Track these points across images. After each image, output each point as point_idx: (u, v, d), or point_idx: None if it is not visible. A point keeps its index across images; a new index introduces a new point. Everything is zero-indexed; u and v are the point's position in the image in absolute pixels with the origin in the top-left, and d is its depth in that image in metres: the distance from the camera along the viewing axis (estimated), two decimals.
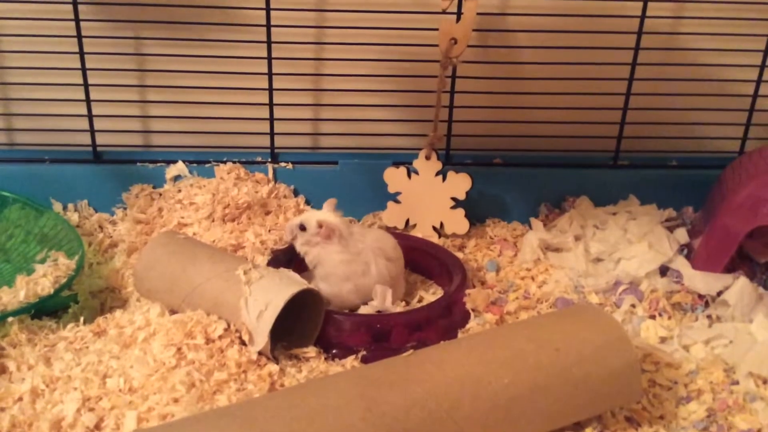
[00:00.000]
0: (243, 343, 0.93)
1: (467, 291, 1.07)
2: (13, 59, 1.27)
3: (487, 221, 1.31)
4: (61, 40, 1.22)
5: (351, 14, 1.23)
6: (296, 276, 0.99)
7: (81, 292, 1.06)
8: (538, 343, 0.82)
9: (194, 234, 1.19)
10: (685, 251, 1.16)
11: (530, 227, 1.27)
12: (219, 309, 0.95)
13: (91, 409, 0.83)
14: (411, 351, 0.84)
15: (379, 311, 1.04)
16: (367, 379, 0.78)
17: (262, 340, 0.91)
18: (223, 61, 1.26)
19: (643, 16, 1.23)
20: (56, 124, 1.29)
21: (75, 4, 1.19)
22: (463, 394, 0.77)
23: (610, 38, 1.25)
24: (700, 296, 1.09)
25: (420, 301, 1.10)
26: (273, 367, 0.91)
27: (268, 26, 1.21)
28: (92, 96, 1.25)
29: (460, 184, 1.22)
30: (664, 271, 1.13)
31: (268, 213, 1.26)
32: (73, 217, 1.24)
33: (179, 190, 1.26)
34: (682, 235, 1.19)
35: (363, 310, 1.05)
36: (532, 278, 1.15)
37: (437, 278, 1.16)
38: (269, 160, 1.30)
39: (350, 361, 0.95)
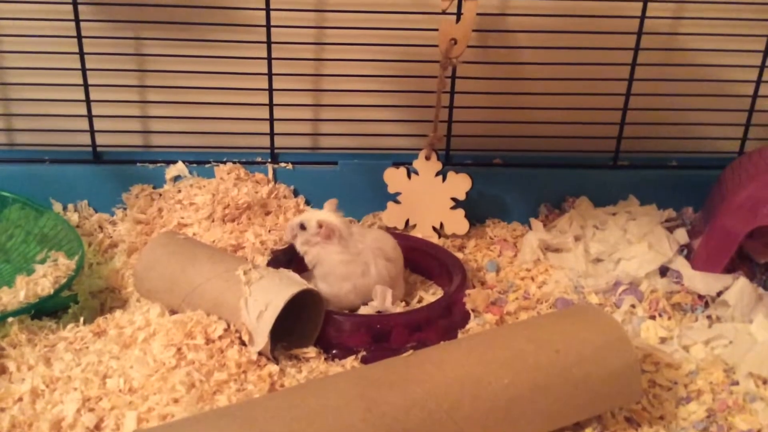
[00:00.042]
0: (243, 343, 0.93)
1: (467, 291, 1.07)
2: (13, 59, 1.27)
3: (487, 221, 1.31)
4: (61, 41, 1.22)
5: (351, 14, 1.23)
6: (296, 276, 0.99)
7: (81, 293, 1.06)
8: (538, 344, 0.82)
9: (194, 234, 1.19)
10: (685, 252, 1.16)
11: (530, 228, 1.27)
12: (219, 309, 0.95)
13: (91, 410, 0.84)
14: (411, 351, 0.84)
15: (379, 312, 1.04)
16: (367, 380, 0.78)
17: (262, 340, 0.91)
18: (223, 61, 1.26)
19: (642, 17, 1.23)
20: (56, 125, 1.29)
21: (75, 5, 1.19)
22: (463, 394, 0.77)
23: (610, 39, 1.25)
24: (700, 297, 1.09)
25: (420, 301, 1.10)
26: (273, 368, 0.91)
27: (268, 26, 1.21)
28: (92, 96, 1.25)
29: (460, 184, 1.22)
30: (664, 271, 1.13)
31: (268, 213, 1.26)
32: (73, 217, 1.24)
33: (179, 191, 1.26)
34: (681, 235, 1.19)
35: (363, 310, 1.05)
36: (532, 279, 1.15)
37: (437, 279, 1.16)
38: (269, 160, 1.30)
39: (350, 362, 0.95)
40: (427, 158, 1.22)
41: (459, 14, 1.18)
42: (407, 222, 1.26)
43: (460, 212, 1.23)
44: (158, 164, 1.28)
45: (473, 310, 1.05)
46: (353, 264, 1.04)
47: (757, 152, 1.18)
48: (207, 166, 1.29)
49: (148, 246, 1.04)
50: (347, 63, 1.27)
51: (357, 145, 1.35)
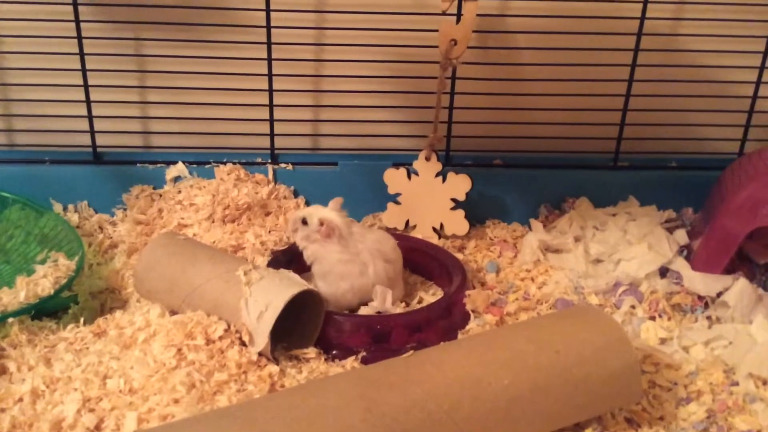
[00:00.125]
0: (243, 343, 0.93)
1: (467, 292, 1.07)
2: (13, 60, 1.27)
3: (487, 222, 1.31)
4: (62, 41, 1.22)
5: (351, 15, 1.23)
6: (296, 277, 0.99)
7: (81, 293, 1.06)
8: (538, 344, 0.82)
9: (194, 235, 1.19)
10: (685, 252, 1.16)
11: (530, 228, 1.27)
12: (219, 310, 0.95)
13: (92, 410, 0.84)
14: (411, 352, 0.85)
15: (379, 312, 1.04)
16: (367, 380, 0.78)
17: (262, 340, 0.91)
18: (223, 62, 1.26)
19: (642, 18, 1.23)
20: (56, 125, 1.29)
21: (75, 5, 1.19)
22: (463, 395, 0.77)
23: (610, 39, 1.25)
24: (700, 297, 1.09)
25: (420, 302, 1.10)
26: (273, 368, 0.91)
27: (268, 27, 1.21)
28: (92, 97, 1.25)
29: (460, 185, 1.22)
30: (663, 272, 1.13)
31: (268, 214, 1.26)
32: (73, 217, 1.25)
33: (179, 191, 1.26)
34: (681, 236, 1.19)
35: (363, 311, 1.05)
36: (532, 279, 1.15)
37: (437, 279, 1.16)
38: (269, 161, 1.30)
39: (350, 362, 0.95)
40: (427, 159, 1.23)
41: (459, 15, 1.18)
42: (407, 223, 1.26)
43: (460, 213, 1.23)
44: (158, 165, 1.29)
45: (473, 311, 1.05)
46: (351, 264, 1.04)
47: (756, 153, 1.18)
48: (207, 166, 1.29)
49: (148, 246, 1.04)
50: (347, 64, 1.27)
51: (357, 145, 1.35)
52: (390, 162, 1.25)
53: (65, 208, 1.26)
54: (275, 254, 1.14)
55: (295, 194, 1.31)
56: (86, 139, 1.27)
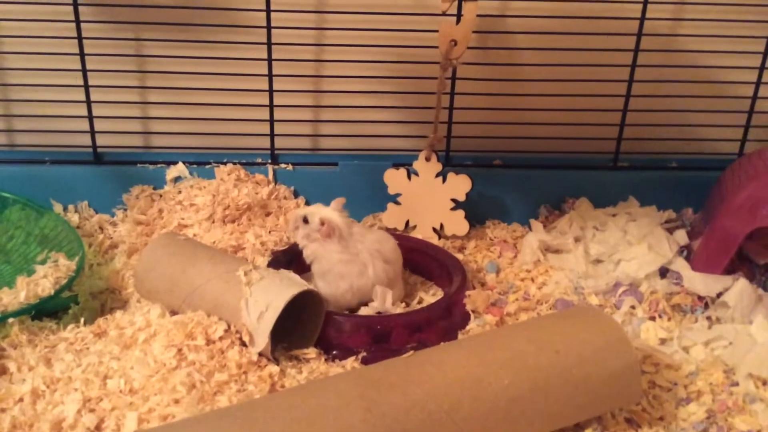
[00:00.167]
0: (243, 344, 0.93)
1: (467, 292, 1.07)
2: (13, 60, 1.27)
3: (487, 223, 1.31)
4: (62, 42, 1.22)
5: (351, 16, 1.24)
6: (296, 277, 0.99)
7: (81, 293, 1.06)
8: (538, 345, 0.82)
9: (194, 235, 1.19)
10: (685, 253, 1.16)
11: (530, 229, 1.27)
12: (219, 310, 0.95)
13: (92, 410, 0.84)
14: (411, 352, 0.85)
15: (379, 312, 1.04)
16: (367, 381, 0.78)
17: (262, 341, 0.91)
18: (224, 62, 1.26)
19: (642, 18, 1.23)
20: (57, 126, 1.29)
21: (75, 6, 1.19)
22: (463, 395, 0.77)
23: (610, 40, 1.25)
24: (700, 298, 1.09)
25: (420, 302, 1.10)
26: (273, 368, 0.91)
27: (269, 28, 1.21)
28: (93, 97, 1.25)
29: (460, 185, 1.22)
30: (663, 272, 1.13)
31: (268, 214, 1.26)
32: (74, 218, 1.25)
33: (179, 192, 1.27)
34: (681, 236, 1.19)
35: (363, 311, 1.05)
36: (532, 280, 1.15)
37: (437, 279, 1.16)
38: (269, 161, 1.30)
39: (350, 362, 0.95)
40: (427, 159, 1.23)
41: (459, 15, 1.18)
42: (407, 223, 1.26)
43: (460, 213, 1.24)
44: (159, 165, 1.29)
45: (473, 311, 1.05)
46: (351, 264, 1.04)
47: (756, 153, 1.18)
48: (207, 167, 1.29)
49: (148, 247, 1.04)
50: (347, 64, 1.27)
51: (357, 146, 1.35)
52: (390, 162, 1.26)
53: (65, 209, 1.26)
54: (275, 254, 1.14)
55: (296, 194, 1.31)
56: (86, 140, 1.27)
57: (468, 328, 1.03)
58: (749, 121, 1.32)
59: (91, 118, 1.26)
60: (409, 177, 1.24)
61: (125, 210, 1.27)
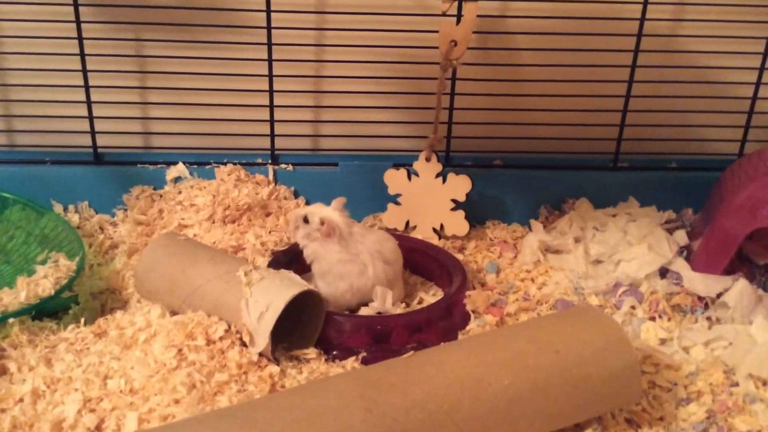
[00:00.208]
0: (244, 344, 0.93)
1: (467, 293, 1.07)
2: (14, 61, 1.27)
3: (487, 223, 1.31)
4: (62, 42, 1.22)
5: (351, 16, 1.24)
6: (297, 277, 0.99)
7: (82, 294, 1.06)
8: (538, 345, 0.82)
9: (195, 235, 1.19)
10: (685, 253, 1.16)
11: (530, 229, 1.27)
12: (220, 310, 0.95)
13: (92, 410, 0.84)
14: (411, 352, 0.85)
15: (379, 313, 1.04)
16: (368, 381, 0.78)
17: (262, 341, 0.91)
18: (224, 62, 1.26)
19: (642, 19, 1.23)
20: (57, 126, 1.29)
21: (76, 6, 1.19)
22: (463, 395, 0.77)
23: (610, 40, 1.25)
24: (700, 298, 1.09)
25: (420, 302, 1.11)
26: (274, 369, 0.91)
27: (269, 28, 1.21)
28: (93, 97, 1.25)
29: (460, 185, 1.22)
30: (663, 272, 1.13)
31: (268, 214, 1.26)
32: (74, 218, 1.25)
33: (180, 192, 1.27)
34: (681, 237, 1.19)
35: (363, 311, 1.05)
36: (532, 280, 1.15)
37: (437, 280, 1.16)
38: (269, 161, 1.31)
39: (350, 363, 0.95)
40: (428, 160, 1.23)
41: (459, 16, 1.18)
42: (407, 223, 1.26)
43: (460, 213, 1.24)
44: (159, 165, 1.29)
45: (473, 312, 1.05)
46: (351, 264, 1.04)
47: (756, 154, 1.18)
48: (207, 167, 1.29)
49: (148, 247, 1.04)
50: (347, 64, 1.27)
51: (357, 146, 1.35)
52: (390, 163, 1.26)
53: (66, 209, 1.26)
54: (276, 255, 1.14)
55: (296, 195, 1.31)
56: (87, 140, 1.27)
57: (468, 328, 1.03)
58: (749, 122, 1.32)
59: (91, 118, 1.26)
60: (409, 177, 1.24)
61: (125, 210, 1.27)
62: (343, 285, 1.04)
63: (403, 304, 1.09)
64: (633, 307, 1.08)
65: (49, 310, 1.03)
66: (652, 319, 1.05)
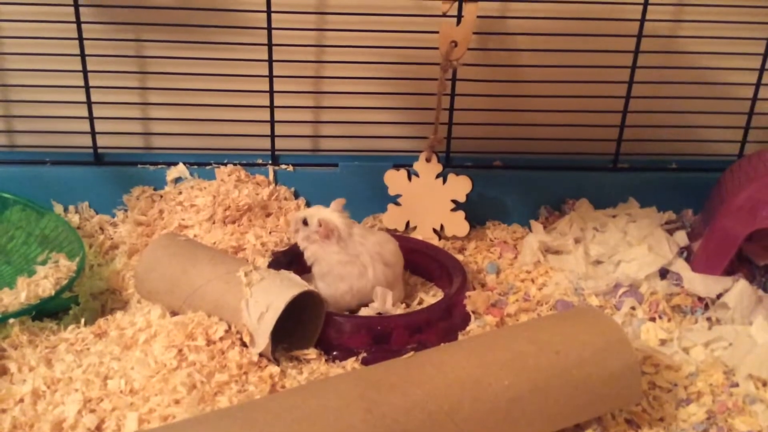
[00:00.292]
0: (244, 344, 0.93)
1: (467, 293, 1.07)
2: (14, 61, 1.27)
3: (487, 223, 1.31)
4: (63, 42, 1.22)
5: (352, 17, 1.24)
6: (297, 278, 0.99)
7: (82, 294, 1.06)
8: (539, 346, 0.82)
9: (195, 236, 1.19)
10: (685, 254, 1.16)
11: (530, 230, 1.27)
12: (220, 311, 0.95)
13: (92, 411, 0.84)
14: (411, 353, 0.85)
15: (379, 313, 1.04)
16: (368, 381, 0.78)
17: (263, 341, 0.91)
18: (224, 63, 1.26)
19: (642, 20, 1.23)
20: (57, 126, 1.29)
21: (76, 6, 1.19)
22: (463, 395, 0.77)
23: (610, 41, 1.25)
24: (700, 299, 1.09)
25: (420, 303, 1.11)
26: (274, 369, 0.91)
27: (269, 29, 1.21)
28: (93, 98, 1.25)
29: (460, 186, 1.22)
30: (663, 273, 1.13)
31: (268, 215, 1.26)
32: (74, 218, 1.25)
33: (180, 192, 1.27)
34: (681, 237, 1.19)
35: (363, 312, 1.05)
36: (532, 280, 1.15)
37: (437, 280, 1.16)
38: (270, 162, 1.31)
39: (351, 363, 0.95)
40: (428, 160, 1.23)
41: (459, 17, 1.18)
42: (408, 224, 1.26)
43: (461, 214, 1.24)
44: (159, 166, 1.29)
45: (473, 312, 1.05)
46: (351, 265, 1.04)
47: (756, 155, 1.18)
48: (208, 167, 1.29)
49: (148, 247, 1.04)
50: (348, 65, 1.27)
51: (357, 147, 1.35)
52: (390, 163, 1.26)
53: (66, 209, 1.26)
54: (276, 255, 1.14)
55: (296, 195, 1.31)
56: (87, 140, 1.27)
57: (468, 329, 1.03)
58: (749, 123, 1.32)
59: (91, 118, 1.26)
60: (409, 178, 1.24)
61: (126, 211, 1.27)
62: (343, 286, 1.04)
63: (403, 305, 1.09)
64: (633, 308, 1.08)
65: (50, 311, 1.03)
66: (652, 319, 1.06)
